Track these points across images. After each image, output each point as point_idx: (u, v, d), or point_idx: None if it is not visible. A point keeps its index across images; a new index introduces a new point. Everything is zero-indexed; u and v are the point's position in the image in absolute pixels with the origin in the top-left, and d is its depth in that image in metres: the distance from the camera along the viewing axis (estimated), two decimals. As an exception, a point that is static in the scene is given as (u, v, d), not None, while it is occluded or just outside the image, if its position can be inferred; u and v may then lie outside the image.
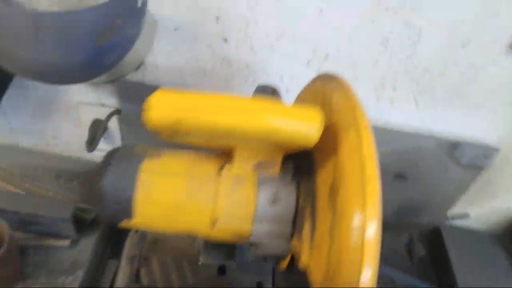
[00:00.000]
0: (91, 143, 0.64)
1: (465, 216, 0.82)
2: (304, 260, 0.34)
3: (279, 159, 0.38)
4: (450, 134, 0.70)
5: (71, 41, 0.45)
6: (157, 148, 0.42)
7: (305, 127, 0.32)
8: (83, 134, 0.73)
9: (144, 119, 0.33)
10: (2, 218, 0.63)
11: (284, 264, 0.41)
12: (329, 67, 0.64)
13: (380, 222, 0.27)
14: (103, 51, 0.49)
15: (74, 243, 0.69)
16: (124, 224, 0.40)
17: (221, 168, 0.39)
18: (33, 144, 0.81)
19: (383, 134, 0.71)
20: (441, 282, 0.80)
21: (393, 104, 0.68)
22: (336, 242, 0.29)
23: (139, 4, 0.50)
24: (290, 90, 0.68)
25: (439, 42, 0.60)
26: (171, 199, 0.38)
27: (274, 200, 0.38)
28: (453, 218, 0.83)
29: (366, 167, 0.28)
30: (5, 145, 0.80)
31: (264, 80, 0.67)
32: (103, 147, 0.79)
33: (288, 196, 0.38)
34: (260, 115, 0.32)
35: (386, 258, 0.81)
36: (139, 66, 0.67)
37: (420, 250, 0.82)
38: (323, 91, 0.38)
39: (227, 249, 0.45)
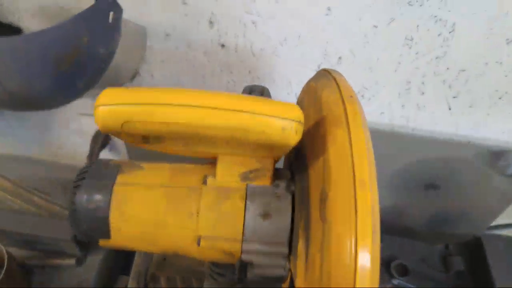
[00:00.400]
0: (91, 158, 0.59)
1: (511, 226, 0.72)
2: (299, 282, 0.30)
3: (270, 167, 0.33)
4: (492, 141, 0.60)
5: (29, 68, 0.40)
6: (136, 161, 0.38)
7: (279, 123, 0.28)
8: (88, 145, 0.70)
9: (95, 119, 0.30)
10: (5, 238, 0.62)
11: (285, 285, 0.36)
12: (343, 72, 0.55)
13: (377, 237, 0.23)
14: (71, 74, 0.44)
15: (80, 261, 0.67)
16: (102, 244, 0.37)
17: (205, 179, 0.34)
18: (41, 154, 0.79)
19: (410, 142, 0.62)
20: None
21: (421, 109, 0.58)
22: (326, 261, 0.24)
23: (110, 20, 0.44)
24: (301, 96, 0.60)
25: (477, 38, 0.49)
26: (149, 214, 0.35)
27: (266, 214, 0.33)
28: (497, 228, 0.73)
29: (356, 171, 0.24)
30: (14, 156, 0.80)
31: (271, 86, 0.60)
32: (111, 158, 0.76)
33: (281, 209, 0.33)
34: (223, 111, 0.28)
35: (416, 269, 0.73)
36: (133, 76, 0.62)
37: (458, 264, 0.73)
38: (315, 87, 0.34)
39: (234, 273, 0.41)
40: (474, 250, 0.76)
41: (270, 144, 0.30)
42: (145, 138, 0.33)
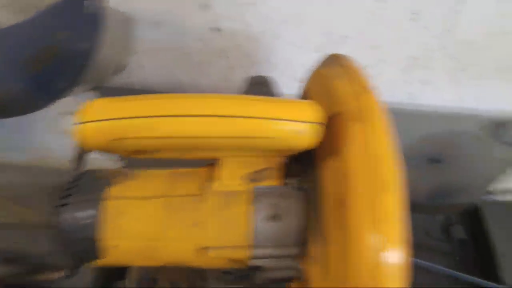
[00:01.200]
0: (78, 162, 0.54)
1: (509, 191, 0.73)
2: (318, 285, 0.28)
3: (278, 165, 0.31)
4: (497, 112, 0.59)
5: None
6: (128, 169, 0.34)
7: (294, 126, 0.25)
8: (72, 145, 0.65)
9: (76, 136, 0.26)
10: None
11: (294, 285, 0.34)
12: (347, 51, 0.52)
13: (405, 243, 0.21)
14: (49, 74, 0.39)
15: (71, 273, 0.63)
16: (94, 264, 0.33)
17: (206, 184, 0.32)
18: (26, 159, 0.73)
19: (415, 118, 0.61)
20: (483, 269, 0.73)
21: (425, 85, 0.56)
22: (351, 268, 0.22)
23: (90, 10, 0.39)
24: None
25: (486, 10, 0.48)
26: (147, 229, 0.31)
27: (275, 216, 0.30)
28: (495, 194, 0.74)
29: (379, 173, 0.22)
30: (-7, 162, 0.73)
31: (271, 70, 0.57)
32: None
33: (291, 210, 0.30)
34: (229, 119, 0.25)
35: (420, 243, 0.74)
36: (122, 68, 0.57)
37: (460, 232, 0.74)
38: (326, 75, 0.30)
39: (239, 271, 0.39)
40: (474, 218, 0.77)
41: (284, 149, 0.27)
42: (137, 152, 0.29)
